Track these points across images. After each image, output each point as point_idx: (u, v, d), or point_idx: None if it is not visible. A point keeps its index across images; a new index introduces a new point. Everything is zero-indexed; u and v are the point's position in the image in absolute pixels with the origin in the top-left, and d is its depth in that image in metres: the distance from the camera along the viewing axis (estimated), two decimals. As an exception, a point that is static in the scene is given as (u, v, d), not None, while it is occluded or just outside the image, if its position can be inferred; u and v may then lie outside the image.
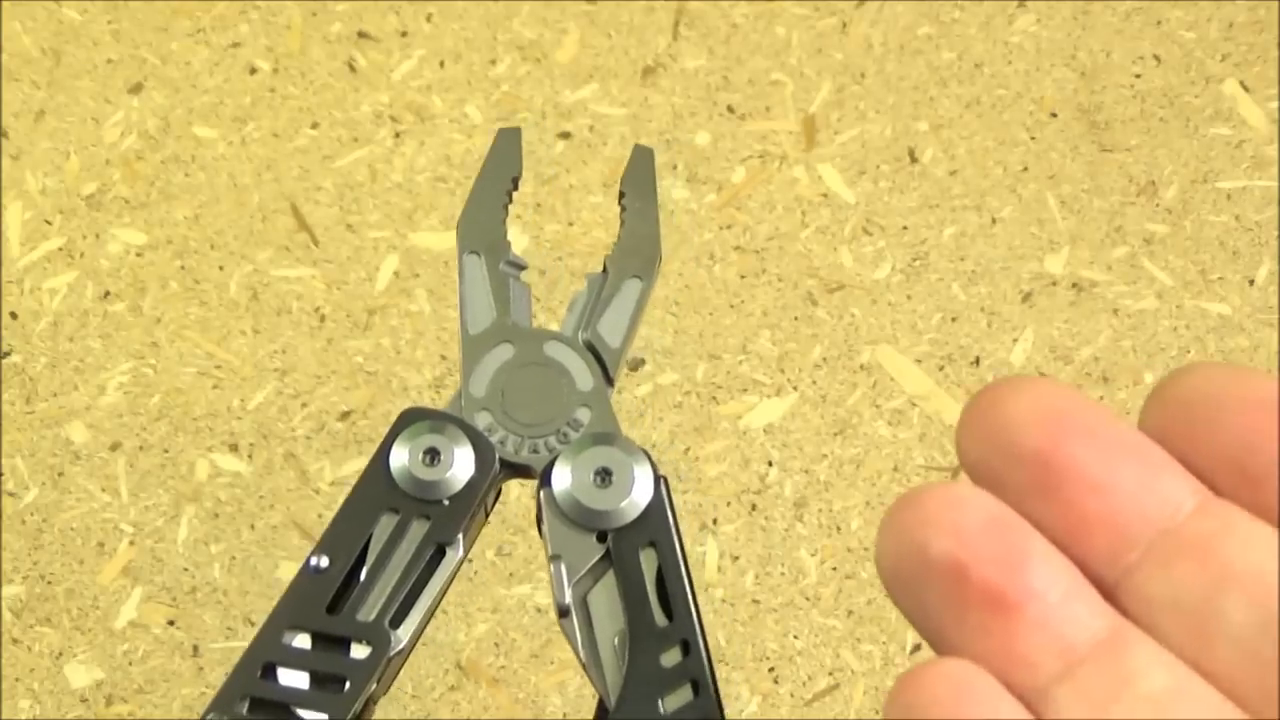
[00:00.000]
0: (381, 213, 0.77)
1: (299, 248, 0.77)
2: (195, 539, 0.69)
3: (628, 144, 0.79)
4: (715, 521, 0.69)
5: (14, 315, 0.75)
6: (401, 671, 0.33)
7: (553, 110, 0.80)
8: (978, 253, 0.77)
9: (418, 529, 0.33)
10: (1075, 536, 0.16)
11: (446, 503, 0.33)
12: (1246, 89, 0.81)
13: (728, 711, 0.66)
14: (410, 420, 0.33)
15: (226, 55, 0.82)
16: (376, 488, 0.33)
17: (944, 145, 0.80)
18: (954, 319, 0.75)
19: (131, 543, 0.69)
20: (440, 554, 0.33)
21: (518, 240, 0.76)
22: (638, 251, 0.36)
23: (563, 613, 0.33)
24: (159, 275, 0.76)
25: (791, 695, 0.66)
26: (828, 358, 0.74)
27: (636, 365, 0.73)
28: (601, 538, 0.33)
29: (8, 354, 0.74)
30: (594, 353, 0.35)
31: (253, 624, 0.67)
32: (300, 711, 0.31)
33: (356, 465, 0.71)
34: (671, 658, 0.31)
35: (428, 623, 0.33)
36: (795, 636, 0.68)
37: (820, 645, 0.68)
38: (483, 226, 0.36)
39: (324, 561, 0.32)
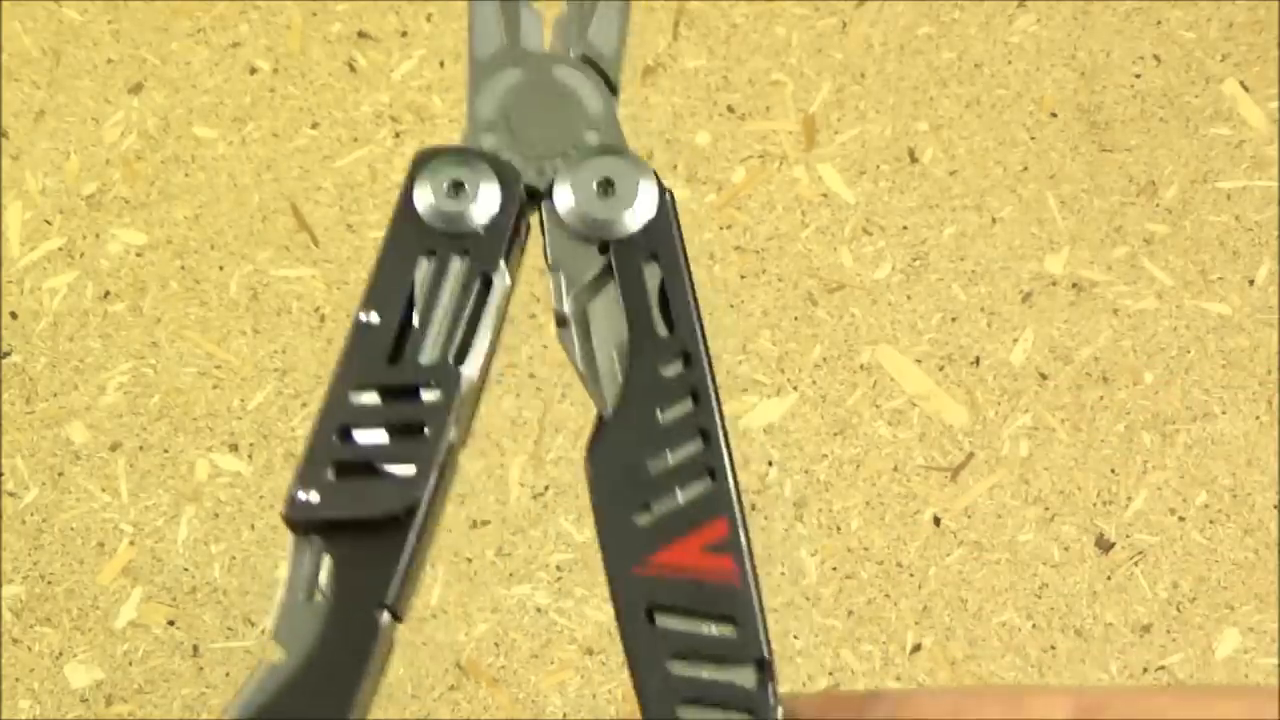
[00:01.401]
0: (381, 213, 0.77)
1: (299, 248, 0.77)
2: (195, 539, 0.69)
3: (629, 144, 0.79)
4: (715, 521, 0.69)
5: (14, 315, 0.75)
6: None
7: (553, 110, 0.80)
8: (978, 253, 0.77)
9: (459, 264, 0.32)
10: None
11: (481, 232, 0.32)
12: (1246, 89, 0.81)
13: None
14: (426, 159, 0.33)
15: (226, 55, 0.82)
16: (407, 232, 0.32)
17: (944, 145, 0.80)
18: (954, 319, 0.75)
19: (131, 543, 0.69)
20: (487, 284, 0.32)
21: (518, 240, 0.76)
22: None
23: (560, 322, 0.32)
24: (159, 275, 0.76)
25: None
26: (828, 358, 0.74)
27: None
28: (603, 250, 0.32)
29: (8, 354, 0.74)
30: (593, 66, 0.35)
31: (253, 624, 0.67)
32: (387, 468, 0.30)
33: (356, 465, 0.71)
34: (673, 369, 0.31)
35: (492, 358, 0.32)
36: (795, 636, 0.68)
37: (820, 645, 0.68)
38: None
39: (373, 316, 0.31)
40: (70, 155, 0.79)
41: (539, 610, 0.68)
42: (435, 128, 0.80)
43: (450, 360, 0.31)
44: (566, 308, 0.32)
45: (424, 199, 0.32)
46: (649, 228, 0.32)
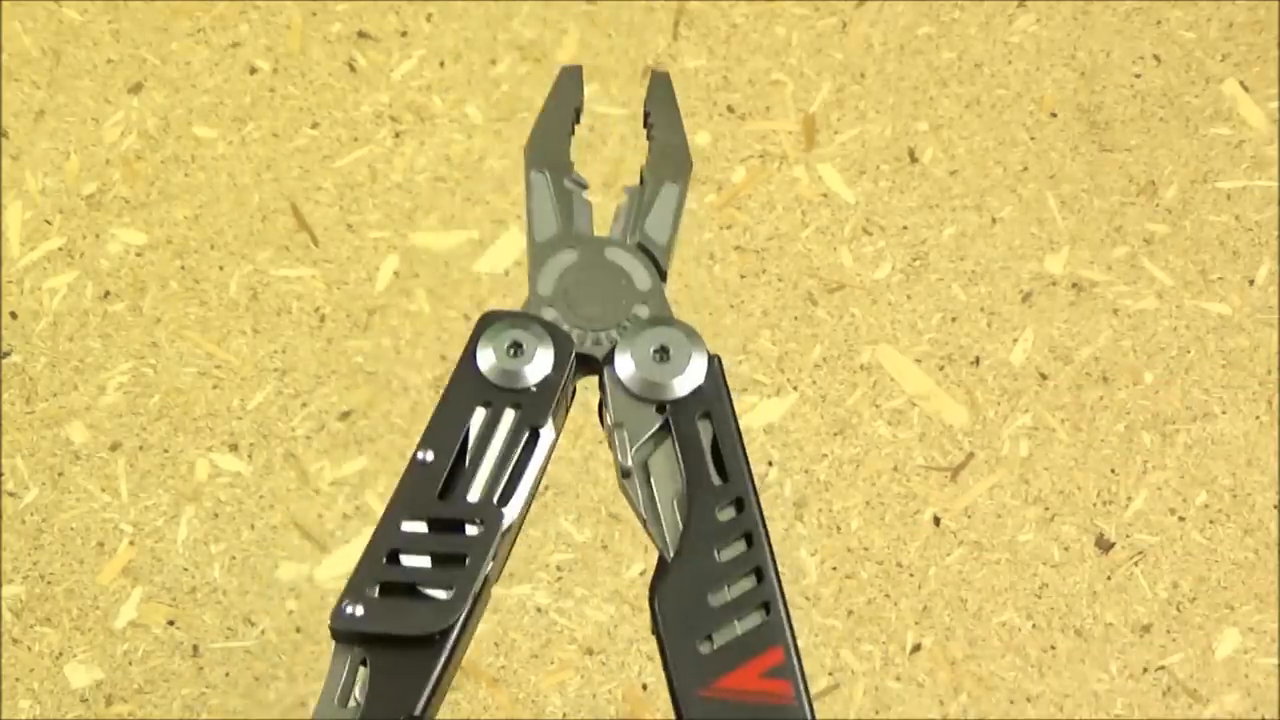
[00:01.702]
0: (381, 213, 0.77)
1: (299, 248, 0.77)
2: (195, 539, 0.69)
3: (628, 144, 0.79)
4: (715, 521, 0.69)
5: (14, 315, 0.75)
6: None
7: (553, 110, 0.80)
8: (978, 253, 0.77)
9: (510, 416, 0.35)
10: None
11: (534, 390, 0.36)
12: (1246, 89, 0.81)
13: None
14: (490, 321, 0.36)
15: (226, 55, 0.82)
16: (468, 384, 0.36)
17: (944, 145, 0.80)
18: (954, 319, 0.75)
19: (131, 543, 0.69)
20: (535, 436, 0.35)
21: (518, 239, 0.76)
22: (669, 159, 0.40)
23: (625, 474, 0.35)
24: (159, 275, 0.76)
25: (791, 695, 0.66)
26: (828, 358, 0.74)
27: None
28: (660, 409, 0.36)
29: (8, 354, 0.74)
30: (646, 253, 0.39)
31: (253, 624, 0.67)
32: (427, 591, 0.33)
33: (357, 465, 0.71)
34: (726, 514, 0.34)
35: (532, 502, 0.35)
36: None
37: (820, 645, 0.68)
38: (548, 147, 0.40)
39: (429, 455, 0.34)
40: (70, 155, 0.79)
41: (539, 610, 0.68)
42: (435, 128, 0.80)
43: (495, 501, 0.34)
44: (630, 460, 0.35)
45: (485, 356, 0.36)
46: (701, 390, 0.36)
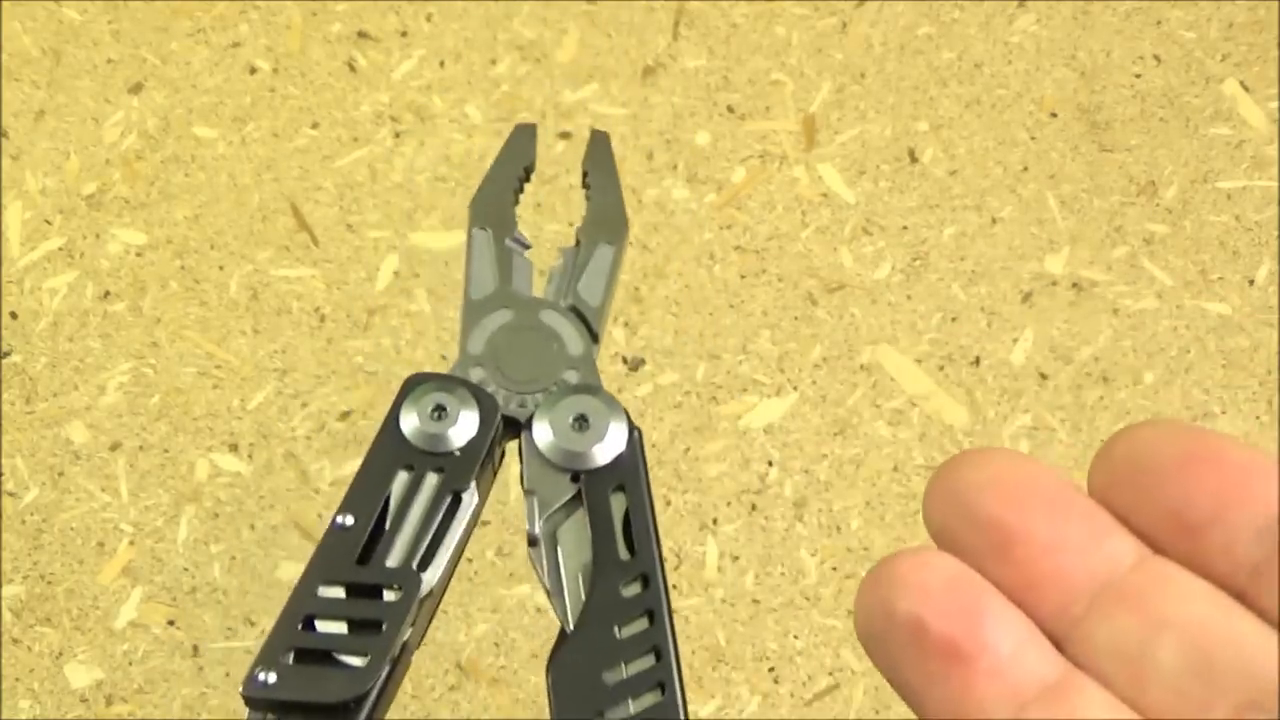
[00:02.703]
0: (381, 213, 0.77)
1: (299, 248, 0.77)
2: (195, 539, 0.69)
3: (628, 144, 0.79)
4: (715, 521, 0.69)
5: (14, 315, 0.75)
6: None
7: (553, 110, 0.80)
8: (978, 253, 0.77)
9: (433, 480, 0.35)
10: (1028, 593, 0.18)
11: (457, 454, 0.35)
12: (1246, 89, 0.81)
13: (728, 712, 0.66)
14: (416, 384, 0.36)
15: (226, 55, 0.82)
16: (390, 448, 0.35)
17: (944, 145, 0.80)
18: (954, 319, 0.75)
19: (131, 543, 0.69)
20: (457, 501, 0.35)
21: (518, 240, 0.76)
22: (605, 220, 0.39)
23: (532, 542, 0.35)
24: (159, 275, 0.76)
25: (791, 695, 0.66)
26: (828, 358, 0.74)
27: (636, 365, 0.73)
28: (575, 478, 0.35)
29: (8, 354, 0.74)
30: (578, 315, 0.38)
31: (253, 624, 0.67)
32: (343, 658, 0.32)
33: (356, 465, 0.71)
34: (631, 590, 0.34)
35: (455, 567, 0.35)
36: (795, 636, 0.68)
37: (820, 645, 0.67)
38: (493, 205, 0.39)
39: (349, 519, 0.34)
40: (70, 155, 0.79)
41: (539, 610, 0.68)
42: (435, 127, 0.80)
43: (414, 566, 0.34)
44: (538, 529, 0.35)
45: (409, 419, 0.36)
46: (617, 461, 0.35)
